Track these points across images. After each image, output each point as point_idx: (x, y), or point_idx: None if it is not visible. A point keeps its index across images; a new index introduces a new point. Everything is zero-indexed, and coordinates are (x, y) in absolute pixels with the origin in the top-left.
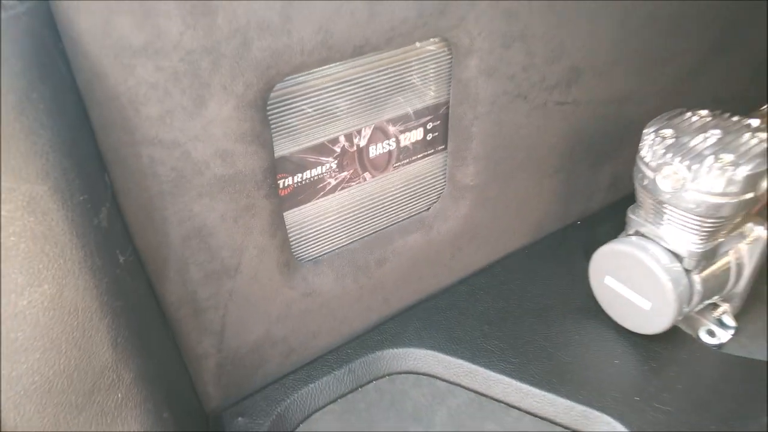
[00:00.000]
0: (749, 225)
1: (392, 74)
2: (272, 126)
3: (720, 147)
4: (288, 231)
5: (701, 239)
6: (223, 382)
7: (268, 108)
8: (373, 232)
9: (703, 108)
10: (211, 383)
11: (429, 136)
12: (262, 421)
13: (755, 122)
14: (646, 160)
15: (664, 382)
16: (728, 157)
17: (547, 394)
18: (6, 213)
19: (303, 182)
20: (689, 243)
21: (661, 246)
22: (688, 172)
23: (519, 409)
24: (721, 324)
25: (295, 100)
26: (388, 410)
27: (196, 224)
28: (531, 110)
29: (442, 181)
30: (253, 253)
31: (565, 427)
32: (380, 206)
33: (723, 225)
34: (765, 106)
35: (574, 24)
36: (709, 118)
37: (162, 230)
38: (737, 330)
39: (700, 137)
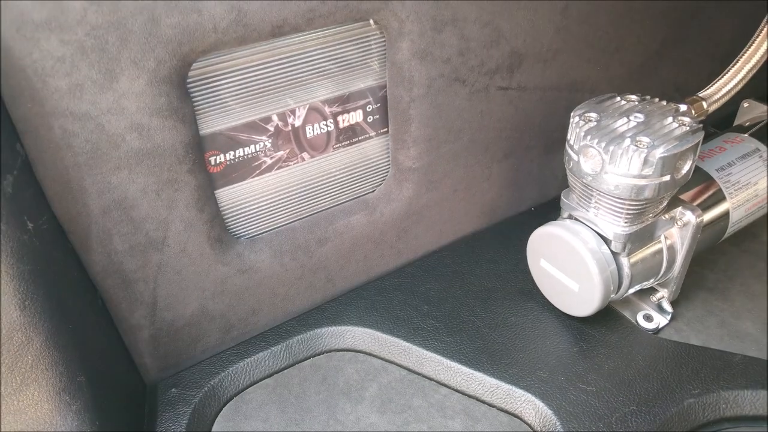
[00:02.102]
0: (679, 209)
1: (323, 55)
2: (196, 103)
3: (640, 130)
4: (222, 208)
5: (626, 221)
6: (160, 354)
7: (189, 84)
8: (315, 213)
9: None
10: (146, 354)
11: (369, 118)
12: (194, 392)
13: (683, 107)
14: (571, 142)
15: (592, 363)
16: (645, 140)
17: (475, 373)
18: None
19: (236, 160)
20: (614, 225)
21: (591, 229)
22: (605, 154)
23: (448, 386)
24: (660, 309)
25: (220, 77)
26: (320, 385)
27: (116, 196)
28: (471, 94)
29: (387, 163)
30: (179, 227)
31: (491, 405)
32: (321, 187)
33: (646, 207)
34: (699, 92)
35: (510, 9)
36: (636, 103)
37: (81, 201)
38: (675, 315)
39: (623, 120)
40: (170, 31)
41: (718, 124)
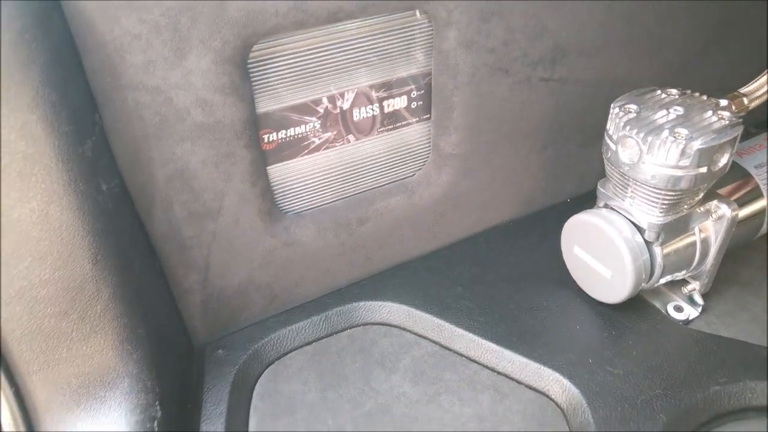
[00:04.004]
0: (715, 202)
1: (373, 42)
2: (254, 82)
3: (679, 122)
4: (273, 184)
5: (661, 211)
6: (209, 319)
7: (249, 65)
8: (357, 193)
9: None
10: (196, 318)
11: (413, 104)
12: (239, 354)
13: (723, 102)
14: (610, 132)
15: (621, 349)
16: (683, 131)
17: (505, 351)
18: (3, 137)
19: (287, 139)
20: (649, 215)
21: (625, 218)
22: (643, 144)
23: (478, 363)
24: (690, 301)
25: (277, 59)
26: (356, 355)
27: (179, 166)
28: (514, 84)
29: (428, 149)
30: (234, 199)
31: (519, 382)
32: (364, 169)
33: (681, 198)
34: (740, 89)
35: (556, 3)
36: (677, 96)
37: (147, 169)
38: (706, 308)
39: (662, 112)
40: (236, 14)
41: (760, 123)
